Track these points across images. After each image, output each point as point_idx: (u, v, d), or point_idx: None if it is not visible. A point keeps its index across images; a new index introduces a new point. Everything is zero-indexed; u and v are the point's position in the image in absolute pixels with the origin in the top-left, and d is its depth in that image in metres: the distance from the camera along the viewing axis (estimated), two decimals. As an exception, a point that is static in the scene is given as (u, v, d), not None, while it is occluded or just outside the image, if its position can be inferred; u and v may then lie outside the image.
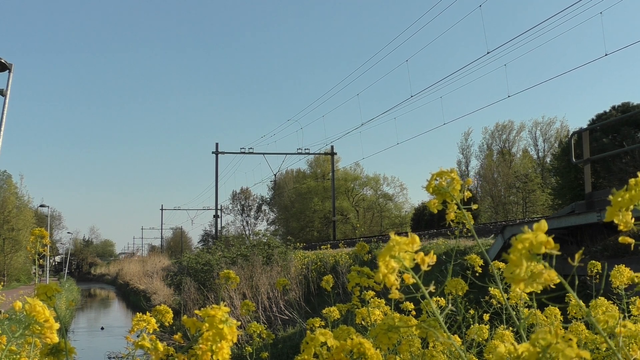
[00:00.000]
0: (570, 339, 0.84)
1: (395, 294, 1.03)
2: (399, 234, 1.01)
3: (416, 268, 1.02)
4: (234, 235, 58.10)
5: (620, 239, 1.10)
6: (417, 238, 1.00)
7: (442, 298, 2.53)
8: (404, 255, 0.98)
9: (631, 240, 1.09)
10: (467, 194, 1.27)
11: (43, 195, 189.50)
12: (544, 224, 0.89)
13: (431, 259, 1.00)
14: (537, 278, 0.88)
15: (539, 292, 0.93)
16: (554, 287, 0.94)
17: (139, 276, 49.65)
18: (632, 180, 1.00)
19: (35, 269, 2.68)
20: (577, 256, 0.96)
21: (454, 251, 2.79)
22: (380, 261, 0.97)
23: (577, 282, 1.37)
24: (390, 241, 0.99)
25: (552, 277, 0.88)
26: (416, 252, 1.01)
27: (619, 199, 0.99)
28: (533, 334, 0.87)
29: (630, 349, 1.70)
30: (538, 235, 0.87)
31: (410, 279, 1.02)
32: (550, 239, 0.88)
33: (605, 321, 1.70)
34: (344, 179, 59.31)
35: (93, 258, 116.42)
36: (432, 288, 1.12)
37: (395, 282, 0.98)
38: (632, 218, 1.02)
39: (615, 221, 1.01)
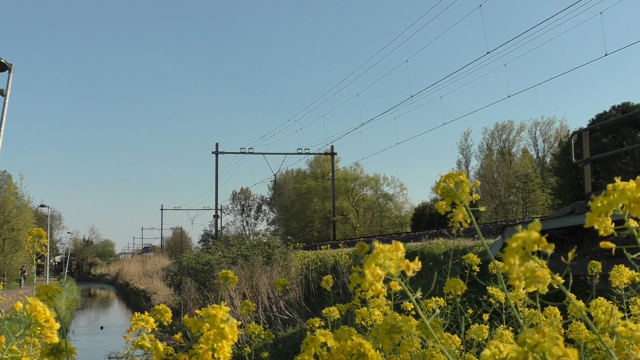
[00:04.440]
0: (557, 337, 0.83)
1: (382, 301, 1.03)
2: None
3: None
4: (234, 235, 58.10)
5: (602, 244, 1.10)
6: (400, 245, 1.00)
7: (441, 298, 2.53)
8: (389, 263, 0.98)
9: (612, 245, 1.09)
10: (476, 196, 1.27)
11: (43, 195, 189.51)
12: (537, 224, 0.90)
13: (416, 266, 1.00)
14: (531, 276, 0.88)
15: (544, 292, 0.93)
16: (557, 287, 0.94)
17: (139, 276, 49.66)
18: (610, 186, 0.99)
19: (34, 269, 2.67)
20: (570, 255, 0.96)
21: (452, 251, 2.80)
22: (367, 269, 0.97)
23: (574, 281, 1.37)
24: (374, 249, 0.99)
25: (545, 275, 0.89)
26: (405, 257, 1.00)
27: (599, 204, 0.99)
28: (520, 334, 0.87)
29: (631, 349, 1.70)
30: (531, 233, 0.88)
31: (397, 286, 1.02)
32: (543, 237, 0.88)
33: (606, 321, 1.70)
34: (344, 179, 59.33)
35: (93, 258, 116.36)
36: (419, 294, 1.12)
37: (383, 290, 0.98)
38: (612, 223, 1.01)
39: (596, 227, 1.01)
